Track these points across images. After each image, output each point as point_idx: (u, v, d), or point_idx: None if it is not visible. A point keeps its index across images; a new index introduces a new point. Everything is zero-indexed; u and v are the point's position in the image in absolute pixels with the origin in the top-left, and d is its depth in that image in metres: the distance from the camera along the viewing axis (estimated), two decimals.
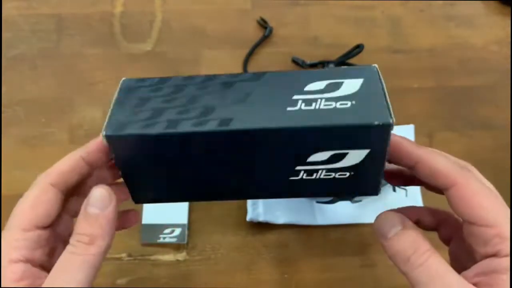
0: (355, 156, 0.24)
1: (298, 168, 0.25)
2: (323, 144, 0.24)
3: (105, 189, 0.24)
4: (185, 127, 0.23)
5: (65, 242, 0.25)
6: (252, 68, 0.49)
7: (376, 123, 0.23)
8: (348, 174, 0.25)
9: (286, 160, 0.24)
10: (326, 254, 0.44)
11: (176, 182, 0.26)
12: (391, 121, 0.23)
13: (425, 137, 0.47)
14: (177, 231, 0.43)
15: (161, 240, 0.43)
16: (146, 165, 0.25)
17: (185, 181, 0.26)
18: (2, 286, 0.22)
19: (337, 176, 0.25)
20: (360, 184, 0.26)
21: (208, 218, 0.44)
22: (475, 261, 0.24)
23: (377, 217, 0.26)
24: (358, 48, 0.48)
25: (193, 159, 0.25)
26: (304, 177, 0.25)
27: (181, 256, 0.43)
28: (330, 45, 0.51)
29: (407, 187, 0.45)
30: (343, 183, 0.25)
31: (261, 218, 0.43)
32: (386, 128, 0.23)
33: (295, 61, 0.49)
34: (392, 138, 0.24)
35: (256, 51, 0.50)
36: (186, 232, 0.43)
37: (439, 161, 0.25)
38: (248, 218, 0.43)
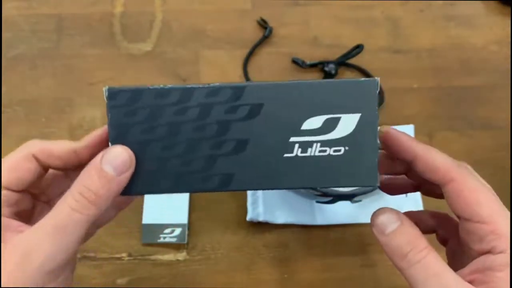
0: (348, 122, 0.25)
1: (292, 139, 0.25)
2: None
3: (127, 152, 0.23)
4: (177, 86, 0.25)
5: (48, 199, 0.27)
6: (252, 68, 0.49)
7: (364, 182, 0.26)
8: (343, 149, 0.25)
9: (280, 129, 0.25)
10: (326, 254, 0.44)
11: (165, 161, 0.25)
12: (377, 184, 0.25)
13: (425, 137, 0.47)
14: (177, 231, 0.43)
15: (161, 240, 0.43)
16: (139, 132, 0.25)
17: (173, 158, 0.25)
18: None
19: (332, 153, 0.25)
20: (356, 165, 0.25)
21: (208, 218, 0.44)
22: (470, 259, 0.24)
23: (375, 213, 0.26)
24: (358, 48, 0.48)
25: (185, 122, 0.25)
26: (299, 153, 0.25)
27: (181, 256, 0.43)
28: (330, 45, 0.51)
29: None
30: (339, 163, 0.25)
31: (261, 218, 0.43)
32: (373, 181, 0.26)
33: (295, 61, 0.49)
34: (392, 132, 0.25)
35: (256, 51, 0.50)
36: (186, 232, 0.43)
37: (438, 157, 0.26)
38: (248, 218, 0.43)
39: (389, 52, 0.51)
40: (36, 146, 0.26)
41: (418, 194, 0.45)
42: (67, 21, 0.51)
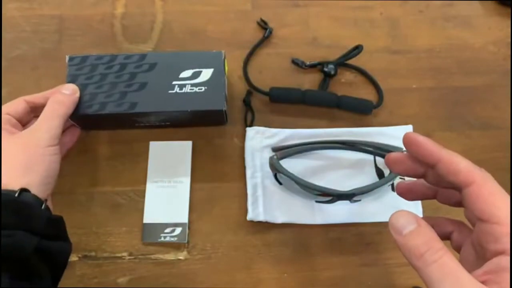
0: (206, 73, 0.42)
1: (174, 82, 0.42)
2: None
3: (74, 84, 0.42)
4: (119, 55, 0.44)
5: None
6: (252, 68, 0.50)
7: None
8: (203, 88, 0.42)
9: (166, 77, 0.42)
10: (326, 253, 0.44)
11: (96, 94, 0.42)
12: (224, 108, 0.42)
13: None
14: (178, 230, 0.44)
15: (162, 239, 0.43)
16: (83, 79, 0.42)
17: (101, 93, 0.42)
18: None
19: (197, 90, 0.42)
20: (211, 97, 0.42)
21: (209, 217, 0.45)
22: (484, 262, 0.25)
23: (393, 215, 0.27)
24: (357, 49, 0.48)
25: (110, 73, 0.43)
26: (177, 91, 0.42)
27: (182, 255, 0.44)
28: (330, 46, 0.51)
29: None
30: (201, 96, 0.42)
31: (261, 218, 0.44)
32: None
33: (294, 62, 0.50)
34: (418, 138, 0.29)
35: (256, 52, 0.50)
36: (187, 231, 0.44)
37: (461, 161, 0.28)
38: (248, 217, 0.44)
39: (388, 52, 0.51)
40: (24, 96, 0.41)
41: None
42: (68, 22, 0.51)
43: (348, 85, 0.50)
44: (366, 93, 0.49)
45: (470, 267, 0.26)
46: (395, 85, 0.49)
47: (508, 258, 0.24)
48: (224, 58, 0.44)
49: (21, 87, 0.48)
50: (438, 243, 0.25)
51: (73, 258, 0.43)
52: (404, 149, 0.45)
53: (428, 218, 0.31)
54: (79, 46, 0.50)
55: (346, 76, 0.50)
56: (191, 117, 0.44)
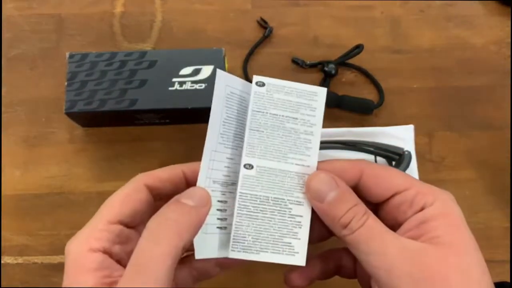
0: (206, 70, 0.42)
1: (174, 79, 0.42)
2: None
3: (204, 190, 0.24)
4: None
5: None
6: (252, 68, 0.49)
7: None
8: (204, 85, 0.42)
9: (167, 74, 0.42)
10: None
11: (96, 91, 0.41)
12: None
13: (425, 137, 0.47)
14: None
15: None
16: (83, 76, 0.42)
17: (100, 90, 0.41)
18: (77, 273, 0.22)
19: (197, 87, 0.42)
20: (211, 95, 0.36)
21: None
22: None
23: (312, 177, 0.26)
24: (358, 49, 0.48)
25: (110, 70, 0.42)
26: (177, 88, 0.42)
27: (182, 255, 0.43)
28: (330, 45, 0.51)
29: None
30: (201, 93, 0.41)
31: None
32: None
33: (295, 62, 0.49)
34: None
35: (256, 51, 0.50)
36: None
37: (338, 162, 0.27)
38: None
39: (389, 52, 0.51)
40: (145, 176, 0.26)
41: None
42: (68, 21, 0.51)
43: (348, 84, 0.50)
44: (367, 93, 0.49)
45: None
46: (396, 84, 0.49)
47: (428, 209, 0.24)
48: (224, 55, 0.43)
49: (20, 87, 0.48)
50: (361, 207, 0.25)
51: None
52: (405, 149, 0.45)
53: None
54: (78, 45, 0.50)
55: (347, 75, 0.50)
56: (191, 115, 0.43)
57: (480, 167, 0.47)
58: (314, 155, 0.27)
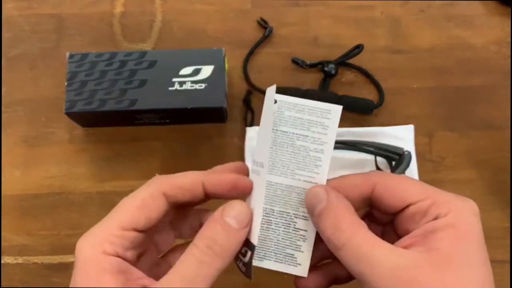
0: (206, 70, 0.42)
1: (174, 79, 0.42)
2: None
3: (247, 207, 0.24)
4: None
5: (158, 252, 0.26)
6: (253, 68, 0.49)
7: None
8: (204, 85, 0.42)
9: (167, 73, 0.42)
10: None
11: (96, 91, 0.42)
12: (224, 105, 0.43)
13: (425, 137, 0.47)
14: None
15: None
16: (83, 76, 0.42)
17: (100, 90, 0.42)
18: (97, 274, 0.22)
19: (197, 87, 0.42)
20: (211, 94, 0.42)
21: None
22: None
23: (306, 192, 0.25)
24: (358, 49, 0.48)
25: (110, 70, 0.42)
26: (177, 88, 0.42)
27: None
28: (330, 45, 0.51)
29: None
30: (202, 93, 0.42)
31: None
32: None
33: (295, 62, 0.49)
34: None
35: (256, 51, 0.50)
36: None
37: (349, 178, 0.26)
38: None
39: (389, 52, 0.51)
40: (165, 183, 0.25)
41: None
42: (67, 21, 0.51)
43: (348, 84, 0.50)
44: (367, 93, 0.49)
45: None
46: (396, 84, 0.49)
47: (438, 220, 0.23)
48: (224, 55, 0.43)
49: (20, 87, 0.48)
50: (345, 222, 0.23)
51: (72, 259, 0.43)
52: (405, 149, 0.45)
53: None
54: (78, 45, 0.50)
55: (347, 75, 0.50)
56: (191, 115, 0.43)
57: (480, 167, 0.47)
58: (323, 172, 0.27)
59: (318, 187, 0.25)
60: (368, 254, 0.22)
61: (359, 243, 0.23)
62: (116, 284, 0.21)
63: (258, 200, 0.26)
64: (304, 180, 0.27)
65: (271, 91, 0.26)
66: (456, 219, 0.23)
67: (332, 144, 0.27)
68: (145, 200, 0.24)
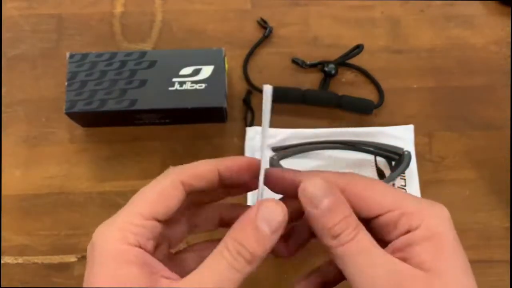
0: (206, 70, 0.42)
1: (174, 79, 0.42)
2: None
3: (282, 208, 0.23)
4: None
5: (169, 241, 0.26)
6: (252, 68, 0.49)
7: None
8: (204, 85, 0.42)
9: (167, 74, 0.42)
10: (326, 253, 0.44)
11: (96, 91, 0.42)
12: (224, 105, 0.43)
13: (425, 137, 0.47)
14: None
15: None
16: (83, 76, 0.42)
17: (100, 90, 0.42)
18: (119, 265, 0.21)
19: (197, 87, 0.42)
20: (211, 94, 0.42)
21: None
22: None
23: (308, 181, 0.23)
24: (358, 49, 0.48)
25: (111, 70, 0.42)
26: (178, 88, 0.42)
27: None
28: (330, 45, 0.51)
29: (406, 186, 0.45)
30: (201, 93, 0.42)
31: None
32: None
33: (295, 62, 0.49)
34: (273, 172, 0.26)
35: (256, 51, 0.50)
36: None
37: (321, 175, 0.25)
38: None
39: (389, 52, 0.51)
40: (181, 173, 0.24)
41: (418, 194, 0.45)
42: (68, 21, 0.51)
43: (348, 84, 0.50)
44: (367, 93, 0.49)
45: None
46: (396, 84, 0.49)
47: (413, 233, 0.23)
48: (224, 55, 0.43)
49: (20, 87, 0.48)
50: (354, 220, 0.23)
51: (72, 259, 0.43)
52: (405, 149, 0.45)
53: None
54: (78, 45, 0.50)
55: (347, 75, 0.50)
56: (191, 115, 0.43)
57: (480, 167, 0.47)
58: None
59: (320, 179, 0.24)
60: (371, 253, 0.22)
61: (362, 240, 0.23)
62: (143, 276, 0.21)
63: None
64: None
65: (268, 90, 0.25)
66: (429, 231, 0.23)
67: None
68: (165, 189, 0.24)
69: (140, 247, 0.22)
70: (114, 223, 0.22)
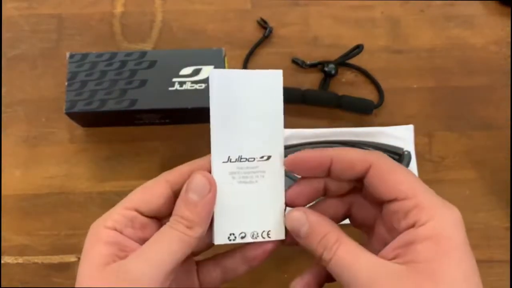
0: (206, 70, 0.42)
1: (174, 79, 0.42)
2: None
3: (205, 176, 0.26)
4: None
5: None
6: (253, 68, 0.49)
7: None
8: (204, 85, 0.42)
9: (167, 74, 0.42)
10: None
11: (96, 91, 0.42)
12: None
13: (425, 137, 0.47)
14: None
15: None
16: (83, 76, 0.42)
17: (101, 90, 0.42)
18: (93, 244, 0.25)
19: (197, 87, 0.42)
20: None
21: None
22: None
23: (287, 216, 0.27)
24: (358, 49, 0.48)
25: (111, 70, 0.42)
26: (178, 88, 0.42)
27: None
28: (330, 45, 0.51)
29: None
30: (201, 93, 0.42)
31: None
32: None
33: (295, 62, 0.49)
34: (298, 156, 0.26)
35: (256, 51, 0.50)
36: None
37: (351, 152, 0.27)
38: None
39: (389, 52, 0.51)
40: (170, 172, 0.27)
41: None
42: (68, 21, 0.51)
43: (348, 84, 0.50)
44: (367, 93, 0.49)
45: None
46: (396, 84, 0.49)
47: (418, 229, 0.23)
48: (225, 55, 0.43)
49: (20, 87, 0.48)
50: (332, 236, 0.25)
51: (72, 259, 0.43)
52: (405, 149, 0.45)
53: (318, 205, 0.29)
54: (78, 45, 0.50)
55: (347, 75, 0.50)
56: (191, 115, 0.43)
57: (480, 167, 0.47)
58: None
59: (295, 211, 0.26)
60: (351, 265, 0.23)
61: (343, 255, 0.24)
62: (107, 251, 0.24)
63: (276, 189, 0.26)
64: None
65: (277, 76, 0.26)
66: (436, 230, 0.23)
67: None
68: (150, 186, 0.27)
69: (115, 230, 0.25)
70: (104, 215, 0.27)
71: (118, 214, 0.26)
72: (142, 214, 0.26)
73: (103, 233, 0.25)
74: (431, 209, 0.23)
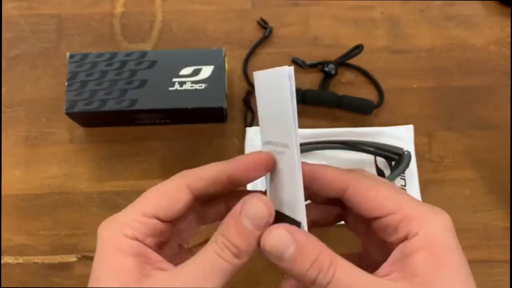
0: (206, 70, 0.43)
1: (174, 79, 0.42)
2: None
3: (266, 204, 0.23)
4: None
5: (181, 240, 0.27)
6: (252, 68, 0.49)
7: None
8: (204, 85, 0.42)
9: (167, 74, 0.43)
10: None
11: (96, 91, 0.42)
12: (224, 105, 0.43)
13: (425, 137, 0.47)
14: None
15: None
16: (84, 76, 0.42)
17: (101, 90, 0.42)
18: (114, 255, 0.22)
19: (197, 87, 0.42)
20: (211, 94, 0.42)
21: None
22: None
23: (264, 237, 0.23)
24: (358, 49, 0.48)
25: (111, 70, 0.43)
26: (178, 88, 0.42)
27: None
28: (330, 45, 0.51)
29: (406, 186, 0.45)
30: (201, 93, 0.42)
31: None
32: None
33: (295, 62, 0.49)
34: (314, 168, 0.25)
35: (256, 51, 0.50)
36: None
37: (328, 171, 0.25)
38: None
39: (389, 52, 0.51)
40: (188, 176, 0.25)
41: (418, 196, 0.45)
42: (68, 21, 0.51)
43: (348, 84, 0.50)
44: (367, 93, 0.49)
45: (379, 263, 0.24)
46: (396, 84, 0.49)
47: (411, 241, 0.22)
48: (225, 55, 0.43)
49: (20, 87, 0.48)
50: (326, 257, 0.22)
51: (72, 258, 0.43)
52: (405, 149, 0.45)
53: (311, 208, 0.27)
54: (78, 45, 0.50)
55: (347, 75, 0.50)
56: (191, 115, 0.44)
57: (480, 167, 0.47)
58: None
59: (277, 230, 0.22)
60: (350, 287, 0.22)
61: (341, 277, 0.22)
62: (134, 264, 0.22)
63: (294, 183, 0.23)
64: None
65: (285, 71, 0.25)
66: (428, 239, 0.22)
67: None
68: (169, 191, 0.24)
69: (137, 240, 0.23)
70: (116, 219, 0.24)
71: (138, 222, 0.23)
72: (161, 221, 0.24)
73: (123, 242, 0.23)
74: (419, 218, 0.23)
